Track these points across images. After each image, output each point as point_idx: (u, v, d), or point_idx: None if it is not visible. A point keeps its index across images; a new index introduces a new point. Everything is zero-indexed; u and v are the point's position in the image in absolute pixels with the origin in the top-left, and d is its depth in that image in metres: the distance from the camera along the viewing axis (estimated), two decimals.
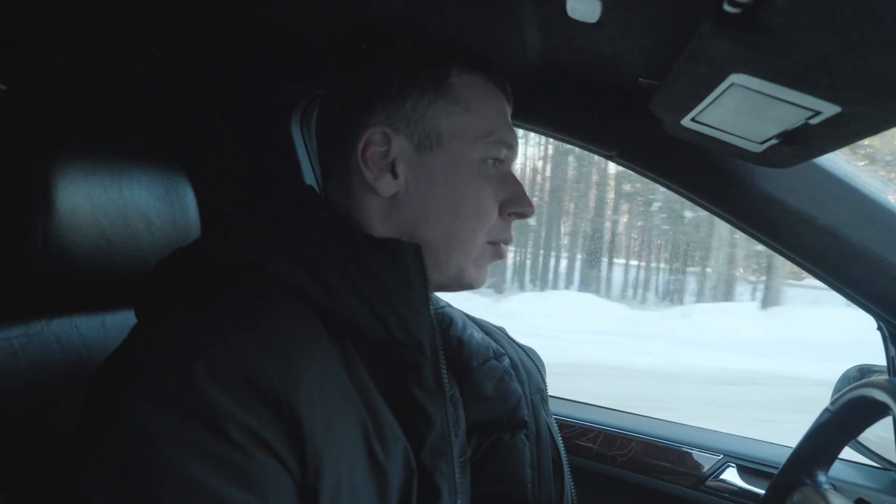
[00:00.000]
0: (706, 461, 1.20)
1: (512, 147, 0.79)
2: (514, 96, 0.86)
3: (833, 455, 0.80)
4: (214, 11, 0.91)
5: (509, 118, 0.82)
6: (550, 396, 1.38)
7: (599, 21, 0.74)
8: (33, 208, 0.75)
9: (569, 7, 0.73)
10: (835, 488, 1.05)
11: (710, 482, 1.18)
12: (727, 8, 0.51)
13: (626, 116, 0.98)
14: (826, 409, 0.79)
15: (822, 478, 0.80)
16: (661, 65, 0.80)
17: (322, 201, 0.77)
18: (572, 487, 0.90)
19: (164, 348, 0.55)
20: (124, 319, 0.92)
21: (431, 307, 0.68)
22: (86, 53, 1.23)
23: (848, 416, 0.74)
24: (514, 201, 0.78)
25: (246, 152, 1.32)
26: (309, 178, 1.35)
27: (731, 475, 1.18)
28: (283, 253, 0.64)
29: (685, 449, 1.22)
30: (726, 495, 1.17)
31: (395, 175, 0.73)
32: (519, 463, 0.84)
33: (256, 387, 0.53)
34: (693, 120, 0.78)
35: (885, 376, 0.86)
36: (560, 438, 0.92)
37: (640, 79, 0.88)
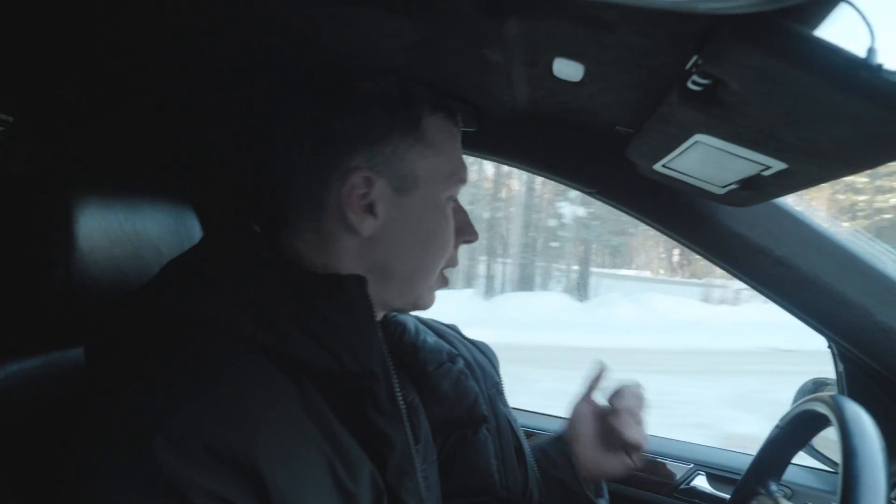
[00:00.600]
0: (678, 470, 1.30)
1: (465, 182, 0.83)
2: (503, 138, 0.94)
3: (783, 466, 0.90)
4: (222, 50, 0.95)
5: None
6: (525, 411, 1.47)
7: (582, 80, 0.84)
8: (55, 245, 0.77)
9: (555, 68, 0.82)
10: (790, 495, 1.15)
11: (681, 489, 1.28)
12: (691, 86, 0.61)
13: (605, 158, 1.07)
14: (776, 426, 0.89)
15: (773, 487, 0.89)
16: (637, 117, 0.90)
17: (262, 241, 0.76)
18: (536, 471, 0.96)
19: (121, 423, 0.55)
20: None
21: (378, 333, 0.69)
22: (88, 86, 1.26)
23: (795, 429, 0.84)
24: (464, 230, 0.83)
25: (252, 192, 1.37)
26: None
27: (701, 482, 1.28)
28: (229, 301, 0.64)
29: (659, 459, 1.32)
30: (696, 501, 1.27)
31: (374, 216, 0.73)
32: (483, 456, 0.89)
33: (217, 452, 0.54)
34: (664, 166, 0.88)
35: (831, 392, 0.97)
36: (519, 427, 0.97)
37: (618, 127, 0.98)
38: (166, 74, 1.11)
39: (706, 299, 18.12)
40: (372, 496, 0.64)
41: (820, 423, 0.82)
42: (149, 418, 0.54)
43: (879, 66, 0.47)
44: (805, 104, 0.54)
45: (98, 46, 0.97)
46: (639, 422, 0.93)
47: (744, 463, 1.00)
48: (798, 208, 1.03)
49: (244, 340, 0.62)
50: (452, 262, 0.83)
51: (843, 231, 1.04)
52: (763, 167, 0.72)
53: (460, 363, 0.94)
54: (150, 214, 0.93)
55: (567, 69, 0.82)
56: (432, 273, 0.80)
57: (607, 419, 0.94)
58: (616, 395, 0.96)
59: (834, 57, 0.48)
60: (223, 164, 1.36)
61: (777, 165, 0.70)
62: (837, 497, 0.59)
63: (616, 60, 0.75)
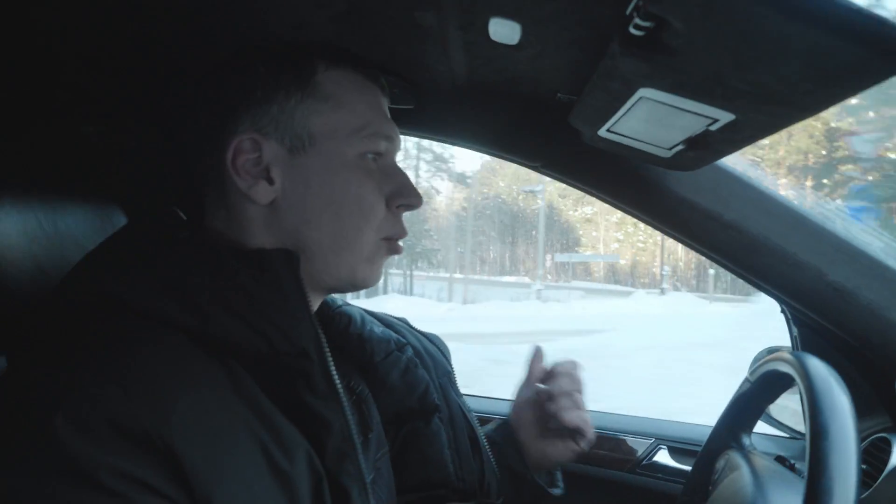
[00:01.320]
0: (639, 446, 1.28)
1: (391, 139, 0.78)
2: (441, 115, 0.90)
3: (754, 419, 0.89)
4: (142, 44, 0.91)
5: (386, 110, 0.81)
6: (491, 398, 1.43)
7: (520, 43, 0.80)
8: None
9: (491, 30, 0.79)
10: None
11: (644, 464, 1.26)
12: (632, 31, 0.57)
13: (548, 130, 1.05)
14: (746, 380, 0.87)
15: (746, 441, 0.88)
16: (578, 81, 0.87)
17: (181, 221, 0.74)
18: (493, 461, 0.93)
19: (20, 405, 0.51)
20: None
21: (310, 310, 0.66)
22: (6, 86, 1.20)
23: (762, 387, 0.83)
24: (400, 193, 0.77)
25: (179, 182, 1.31)
26: None
27: (663, 457, 1.27)
28: (145, 282, 0.61)
29: (620, 436, 1.30)
30: (659, 475, 1.25)
31: (270, 181, 0.70)
32: (437, 447, 0.86)
33: (124, 429, 0.50)
34: (609, 130, 0.85)
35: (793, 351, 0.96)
36: (474, 416, 0.94)
37: (560, 94, 0.95)
38: (88, 70, 1.06)
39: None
40: (310, 479, 0.61)
41: (786, 382, 0.80)
42: (49, 396, 0.51)
43: None
44: (752, 39, 0.51)
45: (15, 42, 0.92)
46: (578, 404, 0.91)
47: (704, 434, 0.98)
48: (744, 170, 1.01)
49: (163, 323, 0.59)
50: (395, 230, 0.77)
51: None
52: (710, 121, 0.70)
53: (409, 352, 0.91)
54: (72, 213, 0.90)
55: (504, 30, 0.78)
56: (358, 241, 0.73)
57: (545, 404, 0.91)
58: (550, 377, 0.93)
59: None
60: (147, 155, 1.30)
61: (725, 117, 0.68)
62: (807, 456, 0.56)
63: (554, 16, 0.71)
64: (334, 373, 0.67)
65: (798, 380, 0.66)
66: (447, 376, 0.94)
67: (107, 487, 0.48)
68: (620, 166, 1.03)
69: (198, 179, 0.75)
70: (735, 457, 0.82)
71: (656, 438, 1.28)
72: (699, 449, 0.97)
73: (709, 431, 0.95)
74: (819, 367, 0.64)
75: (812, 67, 0.52)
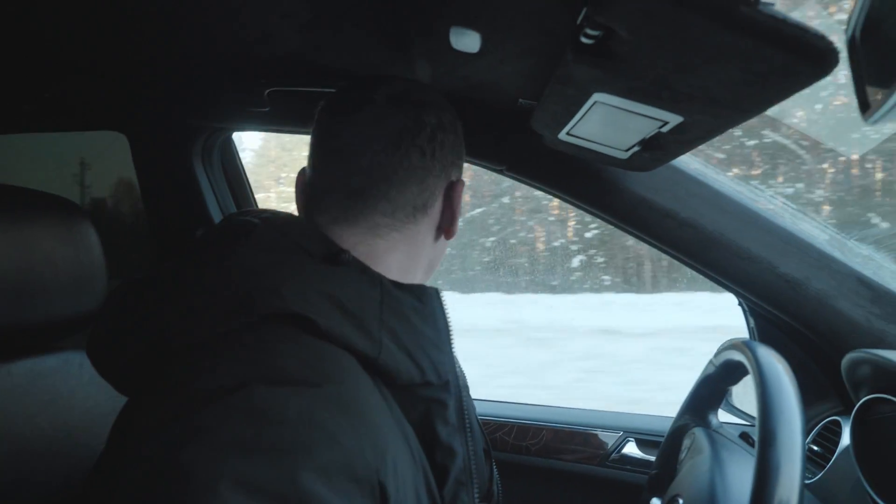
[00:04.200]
0: (608, 439, 1.32)
1: None
2: None
3: (718, 400, 0.92)
4: (105, 49, 0.91)
5: None
6: (498, 401, 1.46)
7: (480, 51, 0.84)
8: None
9: (452, 39, 0.82)
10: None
11: (613, 457, 1.30)
12: (583, 39, 0.61)
13: (511, 134, 1.08)
14: (710, 363, 0.91)
15: (714, 420, 0.92)
16: (537, 87, 0.90)
17: (332, 242, 0.67)
18: (496, 471, 0.94)
19: (252, 428, 0.47)
20: (32, 366, 0.89)
21: (454, 344, 0.69)
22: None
23: (725, 370, 0.87)
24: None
25: (148, 191, 1.32)
26: (215, 212, 1.35)
27: (631, 448, 1.30)
28: (322, 301, 0.57)
29: (590, 431, 1.34)
30: (628, 467, 1.29)
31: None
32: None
33: (356, 472, 0.49)
34: (568, 134, 0.89)
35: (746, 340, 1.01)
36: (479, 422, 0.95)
37: (521, 100, 0.99)
38: (51, 78, 1.06)
39: None
40: None
41: (740, 369, 0.84)
42: (295, 435, 0.48)
43: (757, 0, 0.47)
44: (691, 46, 0.54)
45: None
46: None
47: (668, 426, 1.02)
48: (699, 169, 1.06)
49: (343, 346, 0.57)
50: None
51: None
52: (661, 123, 0.74)
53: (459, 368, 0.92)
54: (38, 222, 0.88)
55: (464, 39, 0.81)
56: None
57: None
58: None
59: None
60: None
61: (674, 119, 0.72)
62: (756, 442, 0.60)
63: (511, 25, 0.75)
64: (466, 406, 0.70)
65: (749, 366, 0.70)
66: (465, 389, 0.92)
67: None
68: (581, 168, 1.06)
69: (354, 202, 0.71)
70: (700, 436, 0.86)
71: (624, 431, 1.32)
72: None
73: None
74: (767, 355, 0.68)
75: (748, 72, 0.55)
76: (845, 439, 0.98)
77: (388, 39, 0.84)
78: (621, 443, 1.30)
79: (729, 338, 1.25)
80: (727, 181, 1.08)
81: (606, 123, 0.80)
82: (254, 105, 1.10)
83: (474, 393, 0.98)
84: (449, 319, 0.68)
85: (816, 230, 1.06)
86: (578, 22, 0.60)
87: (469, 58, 0.87)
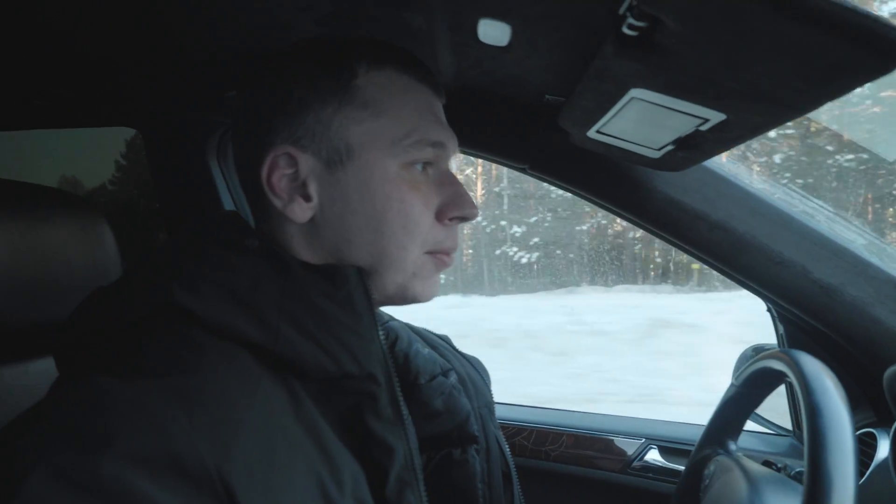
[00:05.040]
0: (630, 446, 1.28)
1: (442, 145, 0.70)
2: None
3: (740, 425, 0.89)
4: (118, 44, 0.89)
5: (438, 113, 0.73)
6: (518, 405, 1.43)
7: (509, 44, 0.80)
8: None
9: (480, 31, 0.78)
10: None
11: (635, 464, 1.27)
12: (626, 31, 0.57)
13: (535, 131, 1.05)
14: (731, 385, 0.88)
15: (732, 446, 0.88)
16: (567, 83, 0.87)
17: (249, 229, 0.67)
18: (522, 499, 0.90)
19: (80, 417, 0.47)
20: (48, 366, 0.89)
21: (380, 332, 0.63)
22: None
23: (751, 388, 0.83)
24: (453, 204, 0.70)
25: (163, 188, 1.30)
26: (230, 209, 1.33)
27: (654, 456, 1.27)
28: (212, 291, 0.56)
29: (610, 437, 1.30)
30: (650, 475, 1.26)
31: (307, 198, 0.65)
32: (470, 478, 0.80)
33: (183, 465, 0.46)
34: (598, 132, 0.85)
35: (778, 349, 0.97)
36: (508, 450, 0.90)
37: (547, 96, 0.95)
38: (63, 74, 1.04)
39: None
40: None
41: (775, 379, 0.80)
42: (111, 415, 0.47)
43: None
44: (746, 38, 0.51)
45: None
46: None
47: (694, 434, 0.99)
48: (731, 170, 1.02)
49: (229, 336, 0.56)
50: (444, 244, 0.71)
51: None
52: (701, 121, 0.70)
53: (453, 378, 0.85)
54: (54, 222, 0.88)
55: (493, 32, 0.78)
56: (401, 260, 0.68)
57: None
58: None
59: None
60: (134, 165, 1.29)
61: (716, 117, 0.68)
62: (805, 455, 0.57)
63: (544, 17, 0.71)
64: (401, 397, 0.64)
65: (793, 378, 0.66)
66: (487, 406, 0.89)
67: None
68: (608, 167, 1.03)
69: (247, 198, 0.72)
70: (724, 459, 0.82)
71: (647, 438, 1.28)
72: (690, 448, 0.97)
73: (699, 430, 0.96)
74: (814, 365, 0.65)
75: (805, 66, 0.52)
76: (881, 452, 0.95)
77: (412, 31, 0.80)
78: (644, 450, 1.27)
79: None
80: (758, 182, 1.04)
81: (641, 121, 0.76)
82: None
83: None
84: (373, 301, 0.64)
85: (853, 234, 1.02)
86: (621, 12, 0.57)
87: (496, 51, 0.83)
